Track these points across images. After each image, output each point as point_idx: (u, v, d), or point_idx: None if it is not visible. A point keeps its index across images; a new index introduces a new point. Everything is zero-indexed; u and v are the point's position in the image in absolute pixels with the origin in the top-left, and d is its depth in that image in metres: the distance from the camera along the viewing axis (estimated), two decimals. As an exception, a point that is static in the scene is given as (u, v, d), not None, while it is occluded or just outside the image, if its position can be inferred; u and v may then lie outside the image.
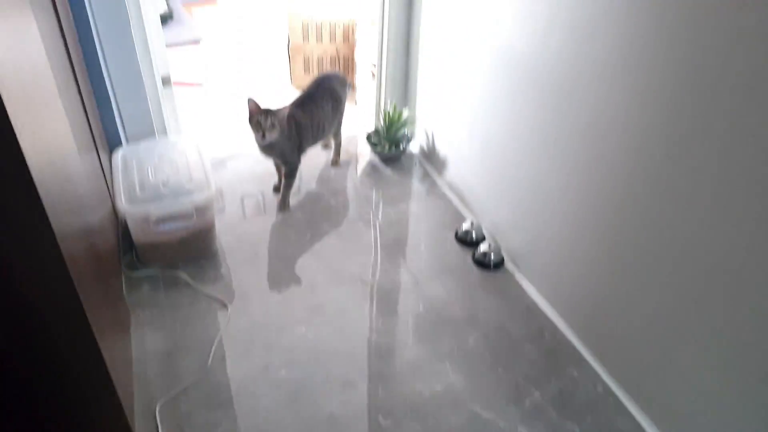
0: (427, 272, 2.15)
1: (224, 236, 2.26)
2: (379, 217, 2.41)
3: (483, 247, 2.19)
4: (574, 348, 1.89)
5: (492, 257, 2.17)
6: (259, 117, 2.11)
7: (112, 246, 1.97)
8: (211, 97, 3.27)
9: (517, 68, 1.89)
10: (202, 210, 2.02)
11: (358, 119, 3.10)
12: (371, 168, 2.70)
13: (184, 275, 2.06)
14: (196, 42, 3.86)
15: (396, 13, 2.55)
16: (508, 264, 2.20)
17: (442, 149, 2.57)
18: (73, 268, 1.02)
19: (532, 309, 2.03)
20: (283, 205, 2.40)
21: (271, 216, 2.39)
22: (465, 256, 2.24)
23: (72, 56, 1.68)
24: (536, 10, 1.73)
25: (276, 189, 2.50)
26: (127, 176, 2.06)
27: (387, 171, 2.68)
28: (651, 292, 1.58)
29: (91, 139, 1.81)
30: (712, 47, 1.23)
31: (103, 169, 1.94)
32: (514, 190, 2.08)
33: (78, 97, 1.69)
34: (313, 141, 2.43)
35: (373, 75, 3.24)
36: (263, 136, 2.12)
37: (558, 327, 1.96)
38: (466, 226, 2.29)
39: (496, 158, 2.15)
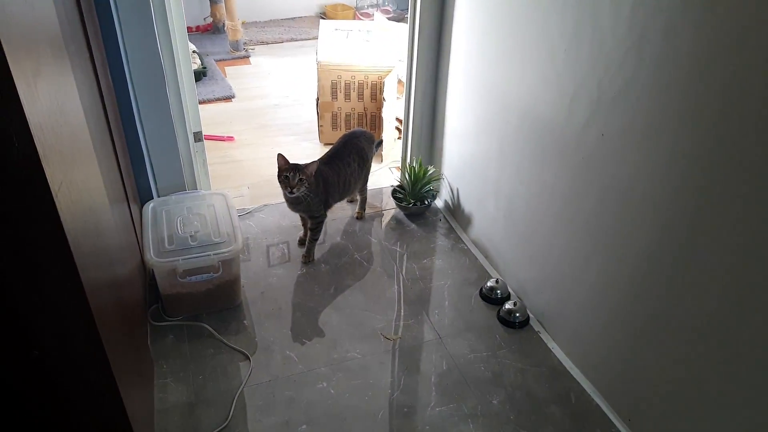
0: (450, 329, 2.13)
1: (249, 288, 2.28)
2: (403, 272, 2.41)
3: (508, 305, 2.17)
4: (602, 413, 1.83)
5: (518, 316, 2.14)
6: (287, 172, 2.17)
7: (139, 297, 2.00)
8: (242, 151, 3.38)
9: (543, 133, 1.92)
10: (228, 263, 2.05)
11: (384, 175, 3.16)
12: (396, 223, 2.73)
13: (207, 326, 2.07)
14: (228, 99, 4.02)
15: (423, 72, 2.63)
16: (534, 323, 2.16)
17: (467, 206, 2.59)
18: (99, 320, 1.05)
19: (558, 370, 1.98)
20: (308, 257, 2.43)
21: (296, 268, 2.41)
22: (490, 313, 2.21)
23: (108, 112, 1.77)
24: (562, 76, 1.77)
25: (301, 242, 2.54)
26: (156, 229, 2.12)
27: (411, 226, 2.70)
28: (681, 359, 1.53)
29: (123, 193, 1.88)
30: (743, 117, 1.25)
31: (133, 222, 2.01)
32: (539, 251, 2.08)
33: (112, 152, 1.77)
34: (340, 197, 2.47)
35: (400, 131, 3.33)
36: (291, 191, 2.17)
37: (585, 389, 1.91)
38: (491, 283, 2.27)
39: (521, 218, 2.15)
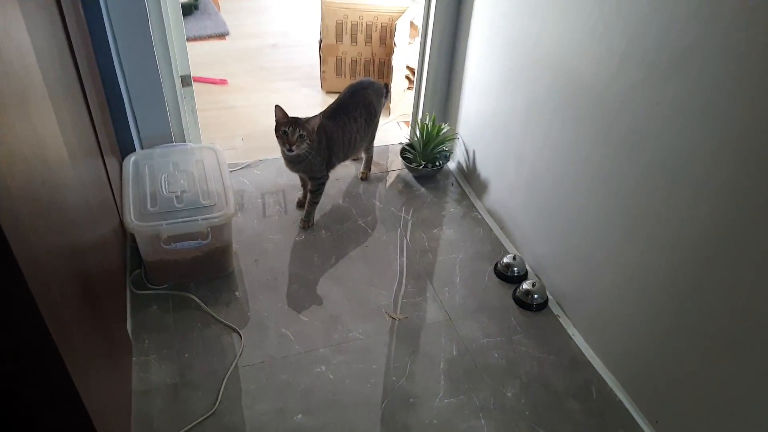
0: (461, 309, 1.94)
1: (241, 254, 2.08)
2: (411, 242, 2.21)
3: (526, 285, 1.98)
4: (625, 410, 1.67)
5: (536, 297, 1.95)
6: (286, 127, 1.92)
7: (117, 262, 1.79)
8: (236, 97, 3.09)
9: (580, 94, 1.67)
10: (219, 229, 1.84)
11: (392, 130, 2.90)
12: (404, 185, 2.50)
13: (195, 297, 1.88)
14: (222, 36, 3.68)
15: (442, 15, 2.33)
16: (553, 305, 1.98)
17: (484, 171, 2.36)
18: (43, 295, 0.86)
19: (578, 359, 1.81)
20: (307, 222, 2.21)
21: (294, 233, 2.20)
22: (505, 293, 2.02)
23: (76, 52, 1.50)
24: (612, 29, 1.50)
25: (300, 204, 2.31)
26: (138, 186, 1.88)
27: (421, 190, 2.47)
28: (714, 359, 1.36)
29: (96, 145, 1.64)
30: None
31: (109, 178, 1.77)
32: (564, 226, 1.86)
33: (81, 99, 1.51)
34: (344, 156, 2.23)
35: (410, 81, 3.04)
36: (290, 148, 1.93)
37: (606, 382, 1.74)
38: (507, 259, 2.07)
39: (547, 190, 1.93)
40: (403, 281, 2.03)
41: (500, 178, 2.23)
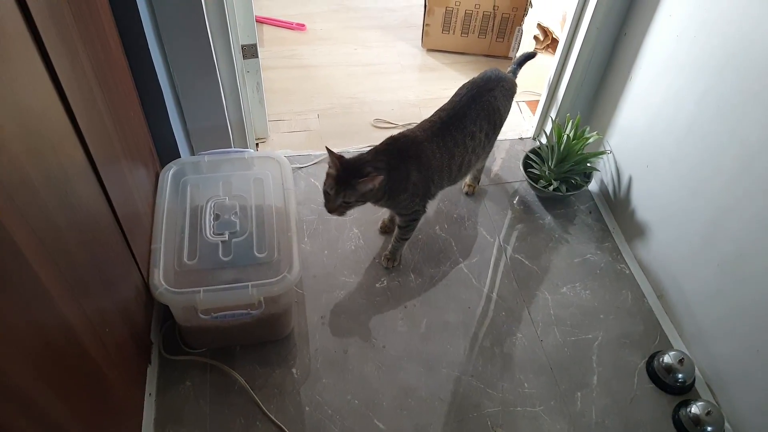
0: (598, 430, 1.39)
1: (304, 305, 1.58)
2: (533, 309, 1.62)
3: (696, 409, 1.38)
4: None
5: (708, 430, 1.36)
6: (328, 187, 1.37)
7: (138, 320, 1.34)
8: (314, 50, 2.45)
9: None
10: (276, 298, 1.33)
11: (511, 116, 2.21)
12: (522, 209, 1.87)
13: (240, 378, 1.41)
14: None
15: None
16: (732, 444, 1.39)
17: (643, 206, 1.69)
18: None
19: None
20: (392, 261, 1.66)
21: (373, 276, 1.66)
22: (662, 411, 1.44)
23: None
24: None
25: (384, 230, 1.75)
26: (174, 220, 1.38)
27: (546, 218, 1.84)
28: None
29: (114, 148, 1.14)
30: None
31: (134, 197, 1.27)
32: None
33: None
34: (450, 183, 1.61)
35: (539, 41, 2.27)
36: (329, 211, 1.40)
37: None
38: (670, 359, 1.47)
39: (750, 254, 1.26)
40: (517, 372, 1.48)
41: (669, 221, 1.57)
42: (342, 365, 1.47)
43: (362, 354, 1.49)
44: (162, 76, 1.46)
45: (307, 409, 1.38)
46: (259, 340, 1.48)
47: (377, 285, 1.64)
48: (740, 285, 1.32)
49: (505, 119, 1.65)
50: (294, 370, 1.45)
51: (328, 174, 1.39)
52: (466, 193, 1.88)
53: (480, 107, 1.52)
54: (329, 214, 1.42)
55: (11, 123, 0.74)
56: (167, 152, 1.58)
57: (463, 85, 1.58)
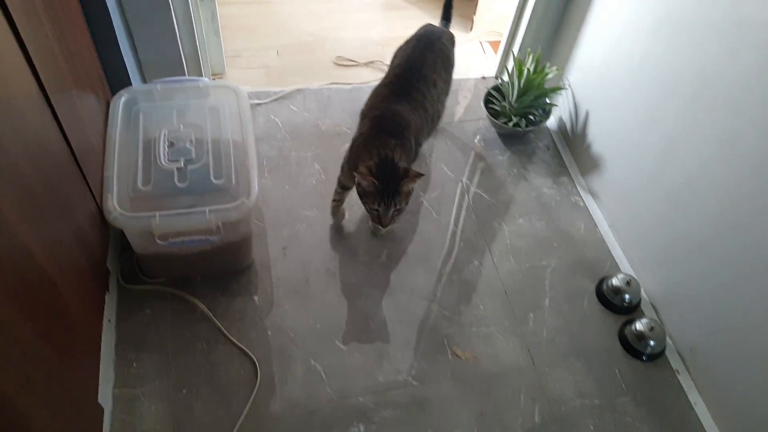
0: (549, 351, 1.46)
1: (266, 237, 1.59)
2: (486, 236, 1.67)
3: (640, 326, 1.46)
4: None
5: (651, 345, 1.45)
6: (377, 205, 1.31)
7: (93, 245, 1.33)
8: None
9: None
10: (234, 224, 1.33)
11: (472, 52, 2.21)
12: (484, 145, 1.90)
13: (201, 304, 1.42)
14: None
15: None
16: (671, 356, 1.48)
17: (598, 140, 1.73)
18: None
19: (700, 444, 1.35)
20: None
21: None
22: (609, 329, 1.52)
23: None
24: None
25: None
26: (128, 146, 1.35)
27: (505, 155, 1.87)
28: None
29: (62, 75, 1.11)
30: None
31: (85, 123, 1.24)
32: (716, 247, 1.29)
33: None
34: (429, 134, 1.61)
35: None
36: (385, 224, 1.36)
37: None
38: (618, 281, 1.54)
39: (699, 187, 1.33)
40: (475, 298, 1.53)
41: (622, 154, 1.62)
42: (304, 293, 1.49)
43: (324, 282, 1.52)
44: (111, 1, 1.41)
45: (269, 332, 1.41)
46: (220, 270, 1.49)
47: (333, 221, 1.66)
48: (685, 213, 1.38)
49: (453, 64, 1.65)
50: (256, 298, 1.47)
51: (365, 193, 1.32)
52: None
53: (435, 55, 1.52)
54: (383, 229, 1.41)
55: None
56: (119, 82, 1.53)
57: (411, 38, 1.58)
